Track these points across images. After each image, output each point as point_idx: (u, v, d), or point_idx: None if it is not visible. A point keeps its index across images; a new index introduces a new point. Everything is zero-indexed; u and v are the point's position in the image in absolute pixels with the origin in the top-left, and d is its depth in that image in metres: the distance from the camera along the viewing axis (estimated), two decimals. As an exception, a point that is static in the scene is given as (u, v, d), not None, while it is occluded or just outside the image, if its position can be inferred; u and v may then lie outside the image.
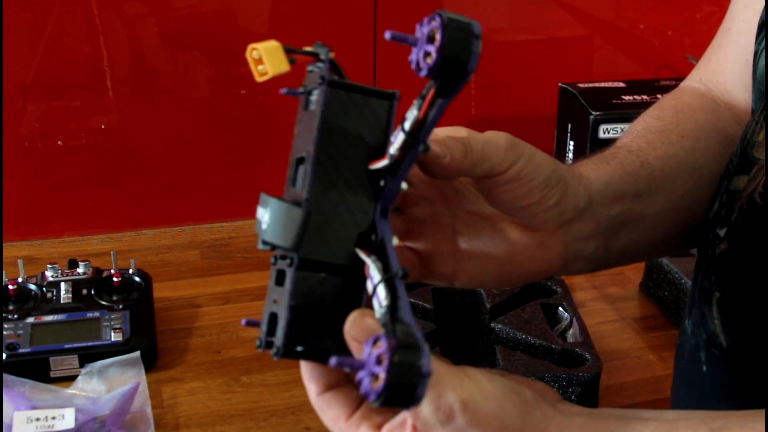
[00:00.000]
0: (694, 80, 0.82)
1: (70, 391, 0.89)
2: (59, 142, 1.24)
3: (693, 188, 0.69)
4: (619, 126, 1.17)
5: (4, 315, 0.96)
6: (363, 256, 0.48)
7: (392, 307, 0.44)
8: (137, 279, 1.04)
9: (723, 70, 0.78)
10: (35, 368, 0.92)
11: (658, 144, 0.69)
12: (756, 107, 0.69)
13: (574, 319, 0.97)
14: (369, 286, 0.47)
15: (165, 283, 1.12)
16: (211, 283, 1.15)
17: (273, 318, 0.48)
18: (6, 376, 0.87)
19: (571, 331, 0.95)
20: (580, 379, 0.86)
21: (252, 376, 0.96)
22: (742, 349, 0.61)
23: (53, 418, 0.82)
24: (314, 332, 0.48)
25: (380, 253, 0.48)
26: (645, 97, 1.21)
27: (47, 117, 1.23)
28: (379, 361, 0.40)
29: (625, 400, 0.94)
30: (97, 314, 0.98)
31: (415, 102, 0.48)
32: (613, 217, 0.62)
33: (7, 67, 1.18)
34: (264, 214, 0.48)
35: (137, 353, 0.93)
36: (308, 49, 0.49)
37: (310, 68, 0.51)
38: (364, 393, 0.41)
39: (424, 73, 0.46)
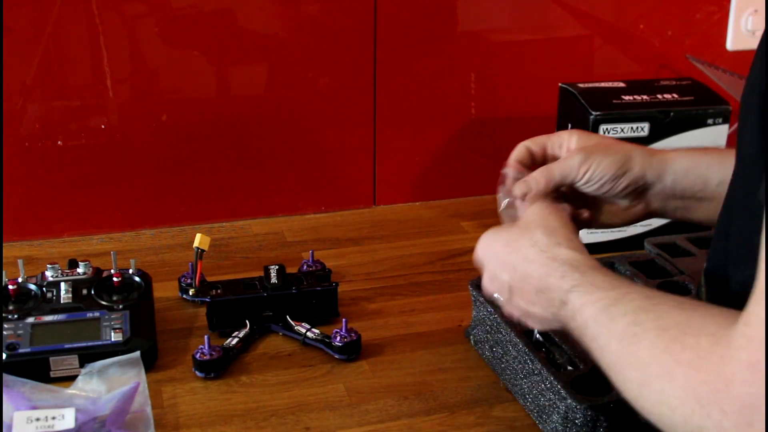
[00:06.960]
0: None
1: (70, 391, 0.89)
2: (59, 142, 1.24)
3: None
4: (619, 126, 1.17)
5: (4, 315, 0.96)
6: None
7: None
8: (137, 279, 1.04)
9: None
10: (35, 368, 0.92)
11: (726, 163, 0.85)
12: None
13: None
14: None
15: (165, 283, 1.12)
16: (211, 283, 1.14)
17: None
18: (6, 376, 0.87)
19: None
20: None
21: (252, 376, 0.96)
22: None
23: (53, 418, 0.82)
24: None
25: None
26: (645, 97, 1.20)
27: (47, 117, 1.23)
28: None
29: None
30: (97, 314, 0.98)
31: None
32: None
33: (7, 67, 1.18)
34: None
35: (137, 353, 0.93)
36: None
37: None
38: None
39: None
